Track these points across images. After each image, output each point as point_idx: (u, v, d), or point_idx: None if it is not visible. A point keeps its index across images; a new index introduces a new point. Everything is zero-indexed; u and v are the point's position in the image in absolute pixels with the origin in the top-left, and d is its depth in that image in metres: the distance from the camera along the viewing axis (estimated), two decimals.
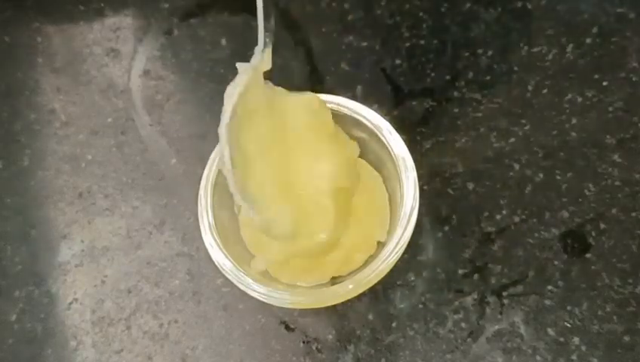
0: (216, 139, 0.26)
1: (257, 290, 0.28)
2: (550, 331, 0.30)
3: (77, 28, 0.41)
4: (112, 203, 0.36)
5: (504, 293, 0.31)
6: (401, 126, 0.30)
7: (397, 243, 0.28)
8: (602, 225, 0.32)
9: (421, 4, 0.38)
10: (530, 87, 0.35)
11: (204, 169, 0.30)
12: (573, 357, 0.30)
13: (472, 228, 0.33)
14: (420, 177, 0.29)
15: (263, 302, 0.29)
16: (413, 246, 0.32)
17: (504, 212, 0.33)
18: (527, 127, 0.34)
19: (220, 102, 0.26)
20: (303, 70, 0.37)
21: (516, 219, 0.33)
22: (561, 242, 0.32)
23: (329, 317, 0.32)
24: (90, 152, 0.38)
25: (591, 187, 0.33)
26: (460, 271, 0.32)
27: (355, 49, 0.37)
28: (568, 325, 0.30)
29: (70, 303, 0.35)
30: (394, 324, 0.32)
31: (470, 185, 0.34)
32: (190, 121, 0.37)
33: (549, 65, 0.35)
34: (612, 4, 0.36)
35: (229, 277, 0.29)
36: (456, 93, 0.35)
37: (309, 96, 0.29)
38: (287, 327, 0.32)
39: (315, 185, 0.28)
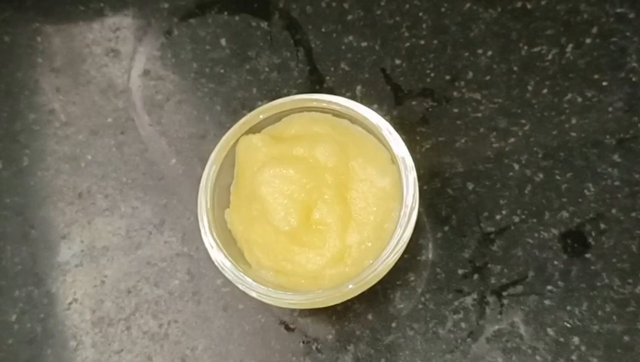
0: (215, 139, 0.26)
1: (257, 290, 0.28)
2: (550, 331, 0.30)
3: (77, 28, 0.41)
4: (111, 203, 0.36)
5: (504, 293, 0.31)
6: (401, 126, 0.31)
7: (397, 243, 0.28)
8: (602, 225, 0.32)
9: (421, 4, 0.38)
10: (529, 87, 0.35)
11: (204, 169, 0.30)
12: (573, 357, 0.30)
13: (472, 228, 0.33)
14: (419, 177, 0.29)
15: (263, 302, 0.29)
16: (413, 246, 0.32)
17: (504, 212, 0.33)
18: (526, 127, 0.34)
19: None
20: (303, 70, 0.37)
21: (516, 219, 0.33)
22: (561, 242, 0.32)
23: (329, 317, 0.32)
24: (90, 152, 0.38)
25: (591, 187, 0.33)
26: (460, 271, 0.32)
27: (355, 49, 0.37)
28: (568, 325, 0.30)
29: (70, 303, 0.35)
30: (394, 324, 0.32)
31: (470, 185, 0.34)
32: (190, 121, 0.37)
33: (548, 65, 0.35)
34: (612, 4, 0.36)
35: (229, 277, 0.29)
36: (456, 93, 0.35)
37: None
38: (287, 327, 0.32)
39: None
